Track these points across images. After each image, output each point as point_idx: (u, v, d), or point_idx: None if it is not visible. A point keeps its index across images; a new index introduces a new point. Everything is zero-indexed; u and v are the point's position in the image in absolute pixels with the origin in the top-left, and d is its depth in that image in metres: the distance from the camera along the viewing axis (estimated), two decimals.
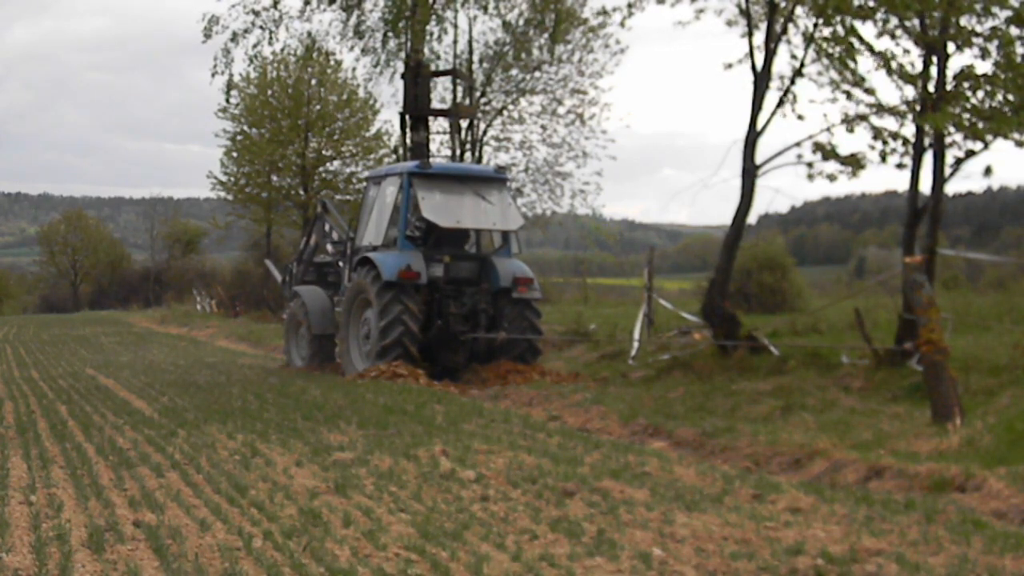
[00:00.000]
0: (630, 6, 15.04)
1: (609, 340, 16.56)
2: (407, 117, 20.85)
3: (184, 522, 5.42)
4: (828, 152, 12.50)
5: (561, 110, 26.81)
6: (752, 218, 14.34)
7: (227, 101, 32.26)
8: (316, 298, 16.26)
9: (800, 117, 12.78)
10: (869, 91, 11.93)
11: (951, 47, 11.22)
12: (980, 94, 11.14)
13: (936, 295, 9.28)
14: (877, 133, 11.92)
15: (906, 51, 11.58)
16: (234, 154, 39.38)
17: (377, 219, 15.23)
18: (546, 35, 23.54)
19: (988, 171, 11.85)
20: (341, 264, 16.17)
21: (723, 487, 6.49)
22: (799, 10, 12.70)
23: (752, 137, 13.12)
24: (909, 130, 11.76)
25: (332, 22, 25.85)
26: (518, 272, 14.61)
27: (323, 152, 39.33)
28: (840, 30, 11.85)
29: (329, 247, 16.85)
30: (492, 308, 14.62)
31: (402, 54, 20.98)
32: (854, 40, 11.78)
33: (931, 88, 11.25)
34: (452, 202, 14.70)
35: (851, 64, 11.87)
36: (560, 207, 27.28)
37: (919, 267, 8.99)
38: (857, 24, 11.78)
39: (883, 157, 11.95)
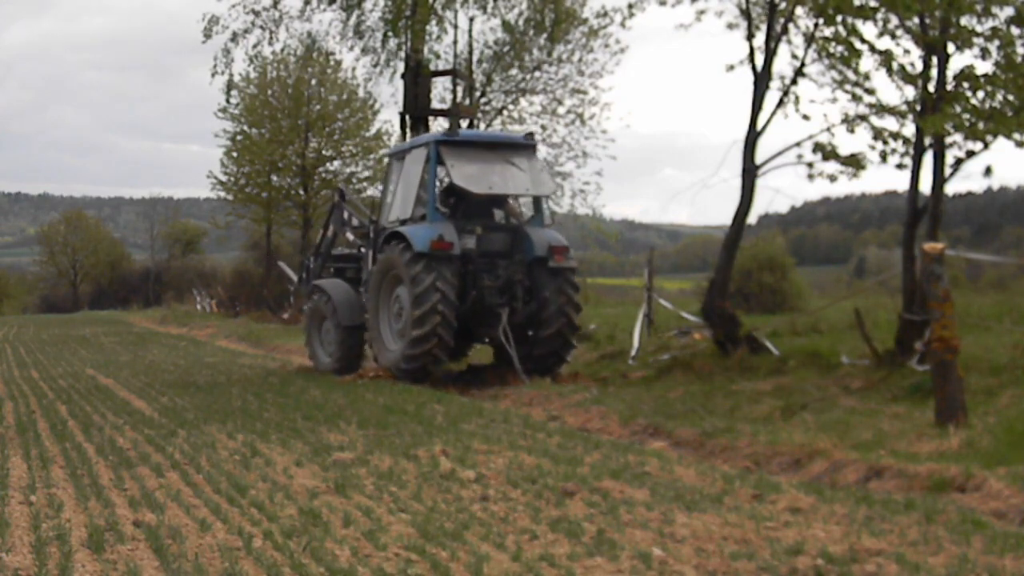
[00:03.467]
0: (630, 7, 15.07)
1: (609, 340, 16.56)
2: (407, 117, 20.87)
3: (184, 522, 5.42)
4: (828, 152, 12.51)
5: (561, 110, 26.82)
6: (752, 218, 14.35)
7: (227, 101, 32.33)
8: (340, 289, 15.41)
9: (806, 117, 12.79)
10: (870, 91, 11.94)
11: (951, 47, 11.21)
12: (980, 94, 11.14)
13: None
14: (877, 133, 11.92)
15: (906, 51, 11.59)
16: (234, 154, 39.42)
17: (403, 194, 14.46)
18: (545, 35, 23.54)
19: (988, 171, 11.84)
20: (364, 249, 15.57)
21: (723, 487, 6.48)
22: (799, 10, 12.71)
23: (752, 137, 13.12)
24: (909, 130, 11.76)
25: (332, 22, 25.84)
26: (553, 241, 13.88)
27: (323, 152, 39.38)
28: (841, 30, 11.85)
29: (350, 235, 16.14)
30: (528, 279, 13.83)
31: (402, 54, 21.00)
32: (855, 40, 11.78)
33: (931, 88, 11.25)
34: (483, 169, 14.05)
35: (853, 63, 11.87)
36: (560, 207, 27.23)
37: (938, 257, 8.40)
38: (858, 24, 11.79)
39: (883, 157, 11.95)
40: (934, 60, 11.31)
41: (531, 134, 15.29)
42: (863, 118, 12.06)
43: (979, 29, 11.01)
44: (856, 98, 12.01)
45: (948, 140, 11.33)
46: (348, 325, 15.02)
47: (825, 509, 5.88)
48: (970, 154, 11.38)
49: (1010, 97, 10.95)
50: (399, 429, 8.82)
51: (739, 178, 13.24)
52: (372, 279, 14.36)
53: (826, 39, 12.16)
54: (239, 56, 32.65)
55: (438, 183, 14.33)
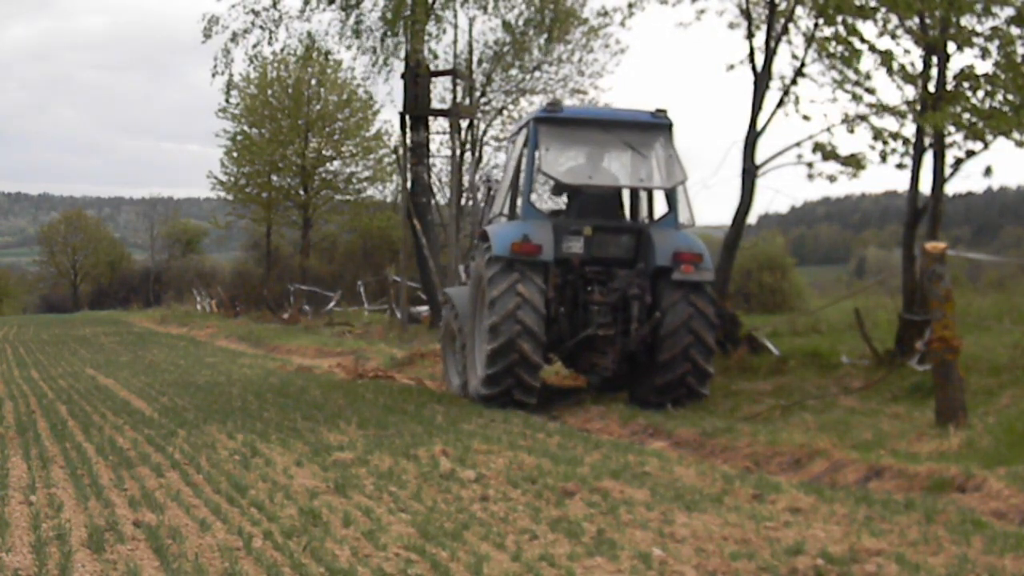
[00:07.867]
0: (630, 6, 15.08)
1: None
2: (407, 117, 20.88)
3: (184, 522, 5.42)
4: (828, 152, 12.53)
5: None
6: (752, 218, 14.37)
7: (227, 101, 32.34)
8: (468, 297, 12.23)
9: (806, 118, 12.82)
10: (870, 91, 11.96)
11: (951, 47, 11.23)
12: (980, 94, 11.15)
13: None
14: (877, 133, 11.93)
15: (907, 51, 11.62)
16: (234, 154, 39.46)
17: (503, 184, 12.18)
18: (545, 35, 23.56)
19: (988, 171, 11.88)
20: None
21: (723, 487, 6.49)
22: (800, 10, 12.74)
23: (752, 137, 13.15)
24: (909, 130, 11.79)
25: (331, 22, 25.86)
26: (682, 246, 10.90)
27: (323, 152, 39.41)
28: (841, 30, 11.87)
29: None
30: (650, 294, 10.89)
31: (401, 53, 21.02)
32: (855, 40, 11.80)
33: (931, 88, 11.26)
34: (586, 154, 11.85)
35: (853, 63, 11.89)
36: None
37: (940, 257, 8.19)
38: (858, 24, 11.81)
39: (883, 157, 11.97)
40: (934, 60, 11.32)
41: (662, 110, 11.71)
42: (863, 118, 12.08)
43: (979, 29, 11.03)
44: (856, 98, 12.03)
45: (948, 140, 11.35)
46: None
47: (825, 509, 5.88)
48: (970, 154, 11.39)
49: (1010, 97, 10.96)
50: (399, 429, 8.81)
51: (739, 178, 13.26)
52: (469, 289, 12.00)
53: (826, 39, 12.18)
54: (239, 56, 32.81)
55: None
